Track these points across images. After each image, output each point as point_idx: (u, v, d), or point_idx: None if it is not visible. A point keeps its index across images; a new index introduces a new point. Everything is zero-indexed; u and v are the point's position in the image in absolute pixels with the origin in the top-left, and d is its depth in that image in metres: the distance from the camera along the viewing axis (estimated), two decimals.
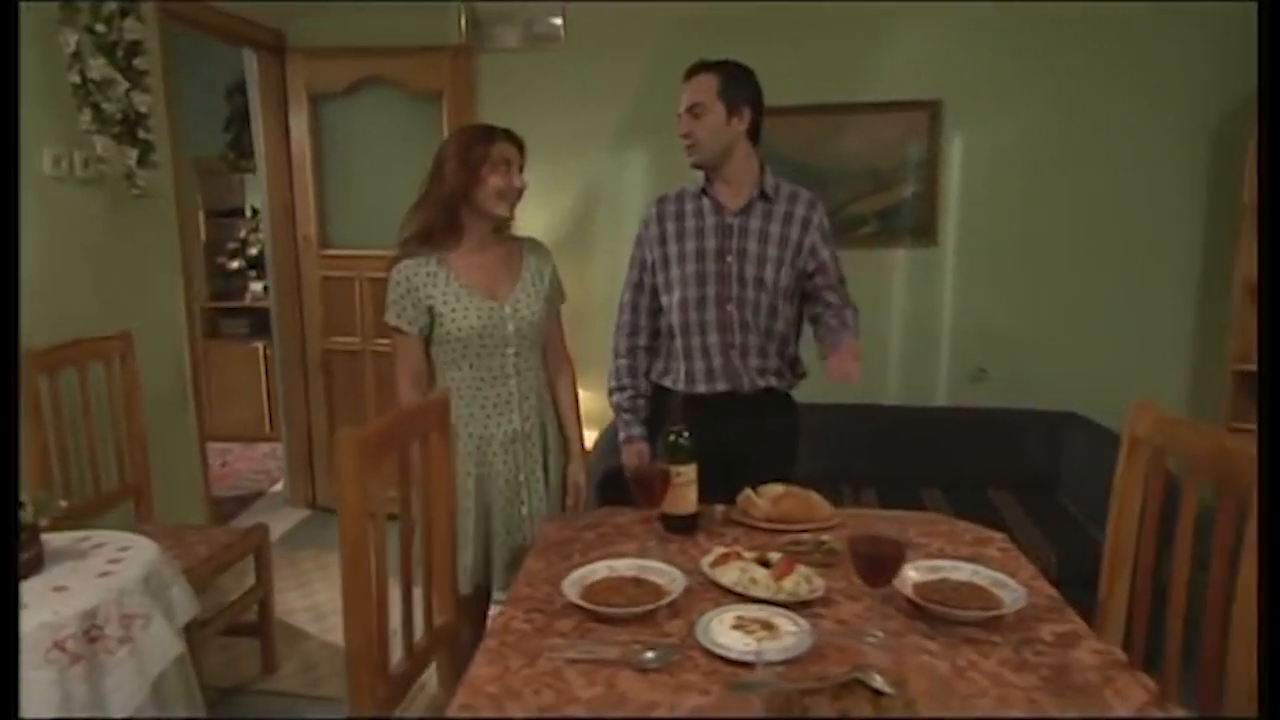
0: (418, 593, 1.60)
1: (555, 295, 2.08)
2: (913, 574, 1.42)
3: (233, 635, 2.64)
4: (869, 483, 3.17)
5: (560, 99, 3.57)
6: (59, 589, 1.70)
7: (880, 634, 1.26)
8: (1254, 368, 3.08)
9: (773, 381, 2.08)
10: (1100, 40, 3.23)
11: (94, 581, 1.75)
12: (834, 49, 3.39)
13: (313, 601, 3.12)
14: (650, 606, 1.34)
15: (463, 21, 3.55)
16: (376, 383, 3.83)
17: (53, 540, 1.92)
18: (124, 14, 2.33)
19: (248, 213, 5.23)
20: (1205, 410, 3.28)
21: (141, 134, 2.44)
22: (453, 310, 1.88)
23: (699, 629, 1.27)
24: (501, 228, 1.99)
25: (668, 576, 1.44)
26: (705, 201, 2.06)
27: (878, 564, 1.25)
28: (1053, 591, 1.43)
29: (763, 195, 2.04)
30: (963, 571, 1.45)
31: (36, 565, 1.76)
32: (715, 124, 1.98)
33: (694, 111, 1.99)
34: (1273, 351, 1.48)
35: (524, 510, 1.96)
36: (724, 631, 1.26)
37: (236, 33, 3.42)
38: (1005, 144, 3.37)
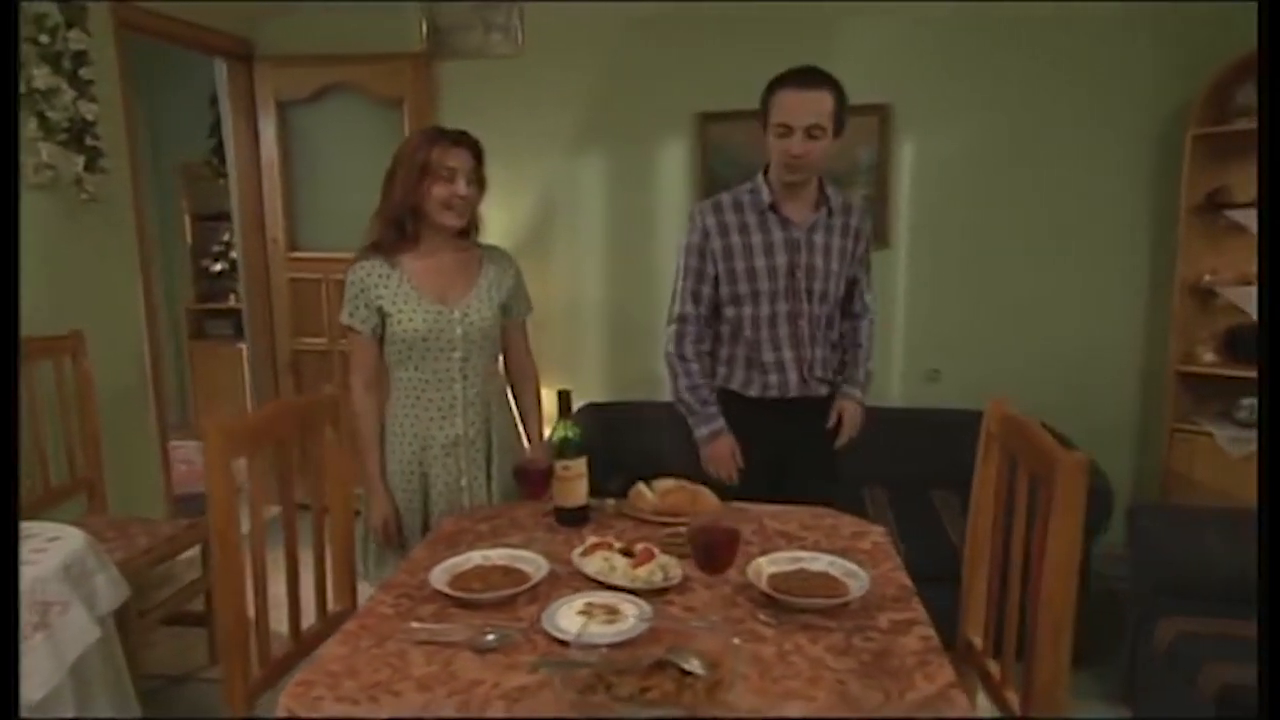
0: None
1: (517, 304, 2.09)
2: (768, 565, 1.48)
3: (181, 625, 2.73)
4: None
5: (519, 104, 3.64)
6: None
7: (714, 619, 1.32)
8: (1196, 369, 3.10)
9: (827, 389, 2.18)
10: (1048, 44, 3.26)
11: None
12: (784, 52, 3.37)
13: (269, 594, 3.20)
14: (506, 593, 1.40)
15: (423, 28, 3.63)
16: (343, 382, 3.91)
17: None
18: (70, 25, 2.43)
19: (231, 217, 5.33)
20: (1155, 411, 3.30)
21: (89, 141, 2.54)
22: (400, 311, 1.91)
23: (546, 613, 1.33)
24: (464, 233, 2.00)
25: (535, 565, 1.50)
26: (771, 216, 2.04)
27: (710, 551, 1.31)
28: (907, 582, 1.48)
29: (829, 210, 2.06)
30: (820, 562, 1.50)
31: None
32: (827, 148, 1.94)
33: (813, 133, 1.90)
34: (1273, 351, 1.52)
35: None
36: (568, 616, 1.32)
37: (204, 42, 3.51)
38: (955, 147, 3.40)
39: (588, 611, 1.33)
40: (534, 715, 1.09)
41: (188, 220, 5.39)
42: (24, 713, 1.80)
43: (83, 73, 2.49)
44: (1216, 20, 3.07)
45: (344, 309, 1.96)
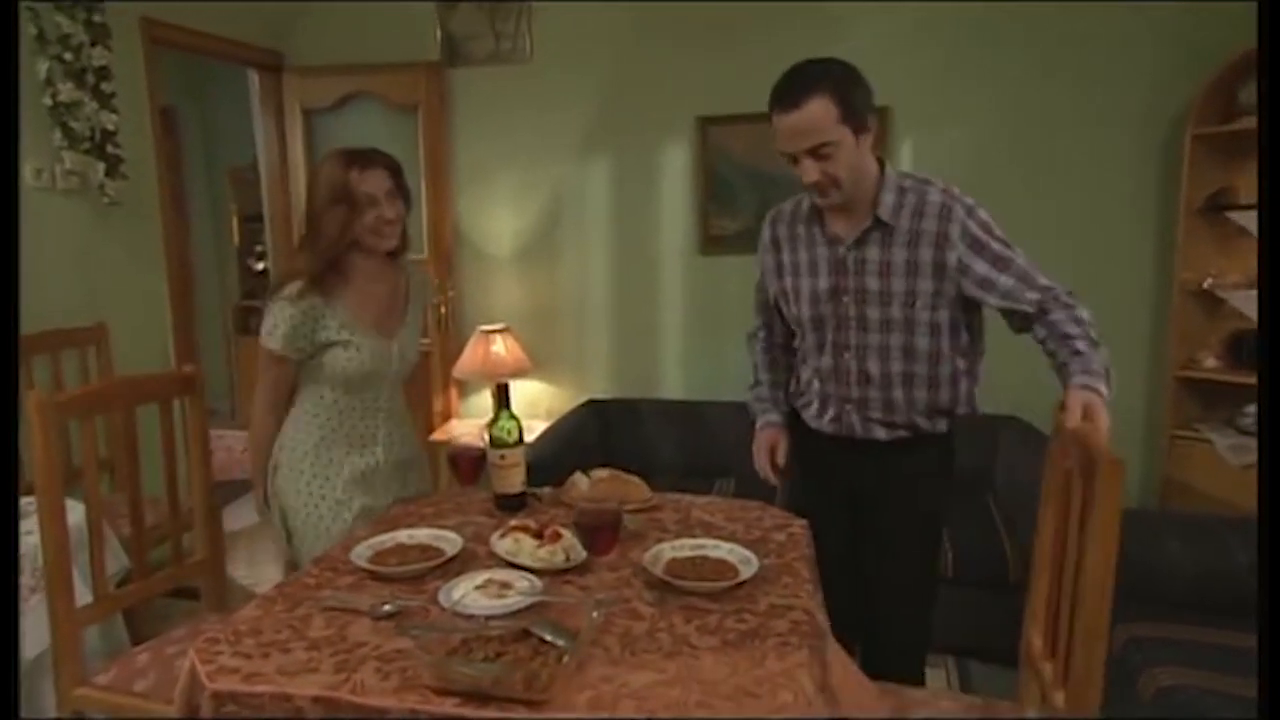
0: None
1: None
2: (670, 550, 1.55)
3: (185, 599, 2.93)
4: None
5: (528, 109, 3.78)
6: None
7: (601, 597, 1.39)
8: (1199, 374, 3.03)
9: (901, 434, 1.81)
10: (1047, 44, 3.23)
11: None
12: (781, 55, 3.42)
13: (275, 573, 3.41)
14: (413, 567, 1.51)
15: (438, 37, 3.79)
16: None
17: None
18: (93, 43, 2.64)
19: None
20: (1159, 417, 3.23)
21: (110, 149, 2.75)
22: (348, 345, 1.85)
23: (445, 587, 1.43)
24: (393, 254, 1.96)
25: (452, 544, 1.60)
26: (817, 228, 1.77)
27: (589, 533, 1.39)
28: (805, 573, 1.53)
29: (876, 219, 1.69)
30: (721, 550, 1.56)
31: None
32: (849, 157, 1.61)
33: (820, 153, 1.59)
34: (1273, 351, 1.53)
35: None
36: (465, 590, 1.41)
37: (235, 54, 3.74)
38: (954, 149, 3.39)
39: (484, 586, 1.43)
40: (400, 673, 1.19)
41: (235, 222, 5.70)
42: (22, 668, 2.01)
43: (104, 86, 2.71)
44: (1218, 17, 3.00)
45: (274, 334, 1.84)
